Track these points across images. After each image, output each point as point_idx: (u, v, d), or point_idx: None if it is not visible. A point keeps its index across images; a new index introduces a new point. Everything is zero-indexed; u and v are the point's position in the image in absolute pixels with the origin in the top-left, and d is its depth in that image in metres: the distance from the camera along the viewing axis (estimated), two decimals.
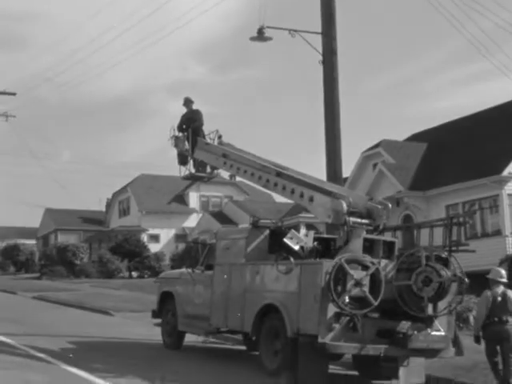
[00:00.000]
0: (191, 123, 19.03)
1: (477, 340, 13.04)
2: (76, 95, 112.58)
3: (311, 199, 14.16)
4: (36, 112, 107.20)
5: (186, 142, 18.94)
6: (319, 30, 19.96)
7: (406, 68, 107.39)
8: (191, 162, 19.18)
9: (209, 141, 18.46)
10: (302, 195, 14.44)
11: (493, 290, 12.93)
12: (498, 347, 12.76)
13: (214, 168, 19.22)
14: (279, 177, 15.27)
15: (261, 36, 20.53)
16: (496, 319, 12.68)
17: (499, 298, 12.79)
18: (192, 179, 20.81)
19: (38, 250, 67.38)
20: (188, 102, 19.54)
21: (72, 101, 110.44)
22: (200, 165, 19.15)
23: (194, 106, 19.59)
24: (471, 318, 19.71)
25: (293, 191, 14.72)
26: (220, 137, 18.29)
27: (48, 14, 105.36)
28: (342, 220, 13.15)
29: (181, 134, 19.12)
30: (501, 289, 12.93)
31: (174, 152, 19.33)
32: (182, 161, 19.24)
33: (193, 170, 19.30)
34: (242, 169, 16.62)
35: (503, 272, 13.26)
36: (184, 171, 19.36)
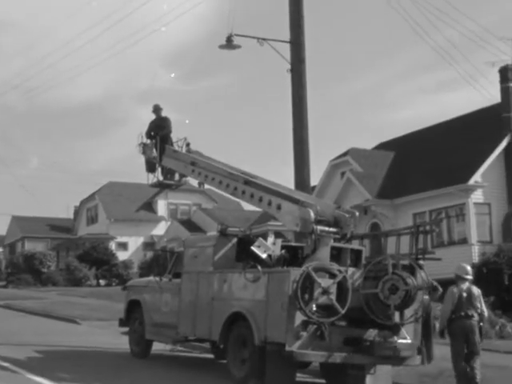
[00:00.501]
0: (159, 130, 19.00)
1: (441, 334, 13.45)
2: (44, 101, 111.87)
3: (279, 207, 14.19)
4: (3, 118, 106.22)
5: (154, 150, 18.90)
6: (288, 39, 20.06)
7: (371, 76, 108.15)
8: (159, 169, 19.13)
9: (177, 148, 18.44)
10: (269, 203, 14.46)
11: (458, 286, 13.28)
12: (465, 346, 13.08)
13: (182, 175, 19.19)
14: (247, 185, 15.29)
15: (229, 44, 20.55)
16: (462, 314, 13.04)
17: (465, 294, 13.17)
18: (160, 187, 20.76)
19: (4, 257, 66.85)
20: (157, 109, 19.54)
21: (40, 107, 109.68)
22: (168, 172, 19.10)
23: (163, 113, 19.57)
24: (437, 326, 19.82)
25: (261, 199, 14.74)
26: (188, 144, 18.26)
27: (16, 21, 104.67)
28: (310, 228, 13.17)
29: (149, 141, 19.07)
30: (466, 285, 13.31)
31: (142, 159, 19.29)
32: (150, 168, 19.19)
33: (161, 178, 19.25)
34: (210, 176, 16.62)
35: (469, 268, 13.65)
36: (152, 179, 19.32)
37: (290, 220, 13.84)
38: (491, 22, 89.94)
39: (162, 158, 18.65)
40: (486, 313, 13.54)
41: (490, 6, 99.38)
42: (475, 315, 13.11)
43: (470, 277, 13.45)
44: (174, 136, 18.99)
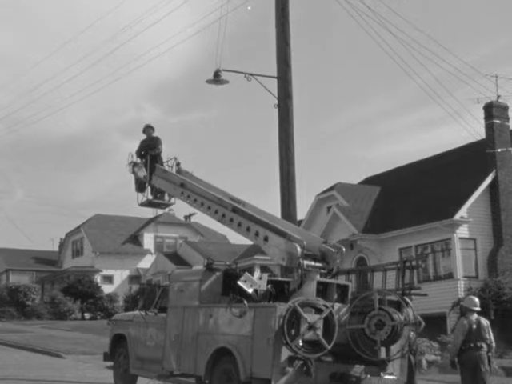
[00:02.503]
0: (150, 149, 18.87)
1: (453, 365, 13.82)
2: (31, 134, 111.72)
3: (266, 239, 14.16)
4: None
5: (144, 169, 18.76)
6: (275, 74, 20.22)
7: (358, 112, 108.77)
8: (149, 189, 18.97)
9: (167, 168, 18.36)
10: (257, 234, 14.43)
11: (468, 317, 13.68)
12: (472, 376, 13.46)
13: (171, 196, 18.97)
14: (235, 212, 15.21)
15: (217, 79, 20.69)
16: (472, 345, 13.43)
17: (474, 326, 13.58)
18: (150, 206, 20.15)
19: None
20: (148, 129, 19.30)
21: (26, 139, 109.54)
22: (158, 192, 18.81)
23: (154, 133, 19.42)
24: (424, 362, 19.85)
25: (248, 229, 14.71)
26: (178, 164, 18.18)
27: (3, 54, 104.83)
28: (296, 263, 13.16)
29: (139, 161, 18.96)
30: (475, 316, 13.73)
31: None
32: (140, 188, 18.96)
33: (150, 197, 19.10)
34: (199, 201, 16.50)
35: (477, 300, 14.07)
36: (142, 198, 19.14)
37: (276, 253, 13.83)
38: (475, 59, 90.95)
39: (151, 177, 18.54)
40: (494, 343, 13.90)
41: (473, 44, 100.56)
42: (484, 346, 13.52)
43: (478, 308, 13.86)
44: (164, 156, 18.90)
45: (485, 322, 13.82)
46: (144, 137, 19.43)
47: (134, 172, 18.91)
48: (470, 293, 30.91)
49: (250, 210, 15.42)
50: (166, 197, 19.03)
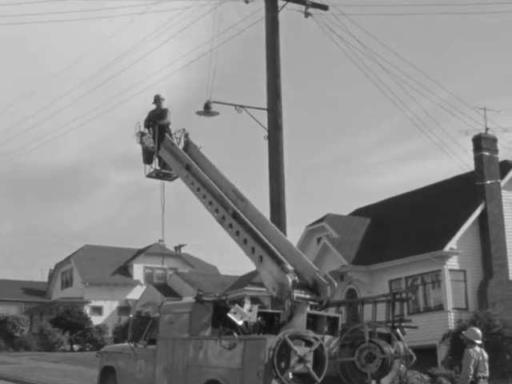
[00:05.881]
0: (159, 120, 18.64)
1: None
2: (20, 165, 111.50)
3: (261, 259, 14.12)
4: None
5: (152, 139, 18.48)
6: (265, 106, 20.33)
7: (349, 143, 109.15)
8: (156, 160, 18.59)
9: (175, 141, 18.13)
10: (253, 251, 14.38)
11: (474, 349, 13.60)
12: None
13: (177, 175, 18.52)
14: (235, 218, 15.16)
15: (207, 110, 20.75)
16: (480, 376, 13.45)
17: (480, 358, 13.55)
18: (157, 177, 19.17)
19: None
20: (158, 100, 19.09)
21: (16, 170, 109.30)
22: (166, 163, 18.42)
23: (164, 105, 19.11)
24: None
25: (245, 242, 14.63)
26: (187, 135, 18.06)
27: None
28: (287, 294, 13.17)
29: (147, 131, 18.71)
30: (478, 348, 13.68)
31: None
32: (147, 159, 18.64)
33: (158, 168, 18.65)
34: (202, 192, 16.34)
35: (479, 332, 14.03)
36: (149, 169, 18.76)
37: (267, 279, 13.83)
38: (462, 91, 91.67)
39: (159, 148, 18.24)
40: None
41: (461, 77, 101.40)
42: (487, 377, 13.60)
43: (479, 341, 13.79)
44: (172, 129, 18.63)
45: (485, 353, 13.85)
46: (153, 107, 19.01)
47: (141, 142, 18.49)
48: (461, 324, 30.88)
49: (252, 212, 15.31)
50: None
